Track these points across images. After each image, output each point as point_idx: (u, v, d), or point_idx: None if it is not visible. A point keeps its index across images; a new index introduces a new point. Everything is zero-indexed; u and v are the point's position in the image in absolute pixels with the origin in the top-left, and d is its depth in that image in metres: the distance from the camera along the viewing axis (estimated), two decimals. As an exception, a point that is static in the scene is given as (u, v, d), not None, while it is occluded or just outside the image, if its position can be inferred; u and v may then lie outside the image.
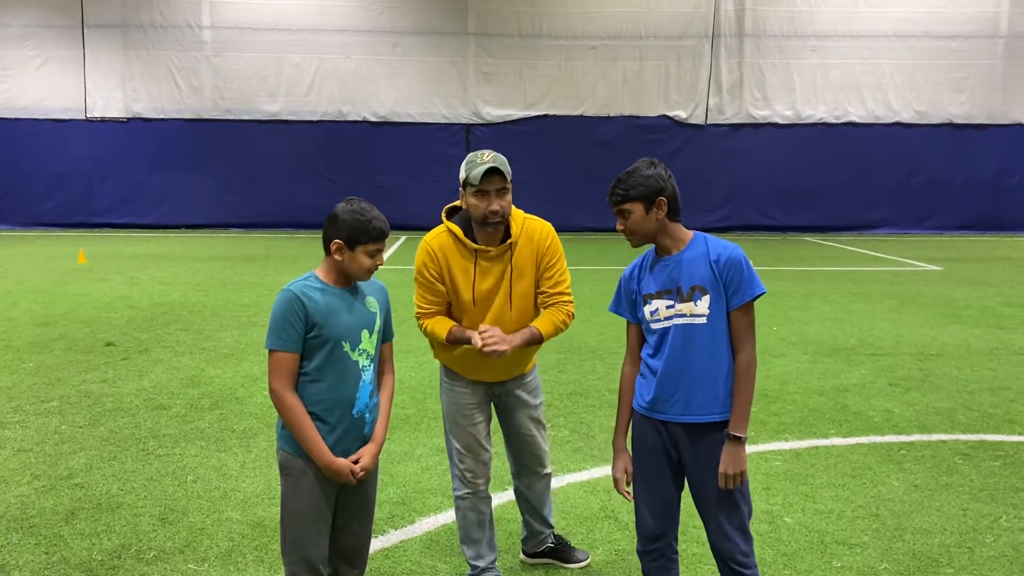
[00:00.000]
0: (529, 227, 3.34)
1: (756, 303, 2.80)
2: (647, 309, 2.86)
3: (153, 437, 5.42)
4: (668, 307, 2.80)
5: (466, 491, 3.46)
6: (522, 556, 3.80)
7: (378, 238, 2.77)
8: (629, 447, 3.01)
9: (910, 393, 6.61)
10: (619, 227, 2.85)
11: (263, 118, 20.57)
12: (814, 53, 20.74)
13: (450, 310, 3.38)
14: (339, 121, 20.63)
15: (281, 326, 2.71)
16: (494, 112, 20.61)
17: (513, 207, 3.32)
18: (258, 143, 20.56)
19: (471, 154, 3.25)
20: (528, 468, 3.63)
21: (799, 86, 20.84)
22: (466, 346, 3.29)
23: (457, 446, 3.46)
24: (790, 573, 3.69)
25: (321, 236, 2.87)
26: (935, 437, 5.55)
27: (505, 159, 3.24)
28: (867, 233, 21.01)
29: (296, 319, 2.70)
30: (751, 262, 2.82)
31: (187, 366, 7.26)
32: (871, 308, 10.36)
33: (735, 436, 2.73)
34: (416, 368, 7.23)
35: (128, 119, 20.48)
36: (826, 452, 5.25)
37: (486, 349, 3.14)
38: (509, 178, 3.21)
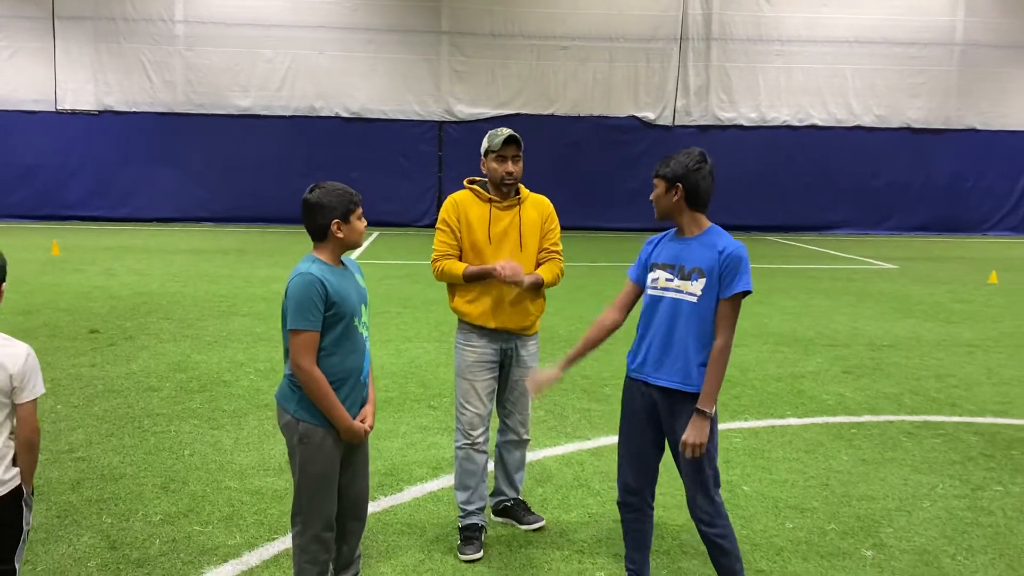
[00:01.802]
0: (535, 197, 4.05)
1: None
2: (650, 276, 3.23)
3: (147, 416, 5.67)
4: (667, 279, 3.17)
5: (464, 442, 3.91)
6: (492, 515, 4.21)
7: (360, 202, 3.16)
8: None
9: (862, 380, 7.05)
10: (650, 196, 3.28)
11: (235, 112, 20.66)
12: (779, 57, 21.32)
13: (462, 259, 3.91)
14: (311, 117, 20.79)
15: (307, 307, 2.97)
16: (466, 110, 20.91)
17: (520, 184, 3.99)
18: (230, 137, 20.65)
19: (491, 131, 3.91)
20: (512, 427, 4.07)
21: (764, 89, 21.40)
22: (481, 290, 3.83)
23: (461, 400, 3.92)
24: (747, 533, 4.06)
25: (307, 227, 3.11)
26: (883, 418, 5.98)
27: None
28: (828, 233, 21.64)
29: (320, 299, 2.98)
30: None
31: (172, 352, 7.49)
32: (829, 303, 10.84)
33: (700, 410, 3.06)
34: (396, 355, 7.52)
35: (99, 112, 20.47)
36: (782, 431, 5.65)
37: (507, 274, 3.70)
38: (522, 148, 3.86)
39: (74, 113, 20.41)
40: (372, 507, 4.25)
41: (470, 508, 3.90)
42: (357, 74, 20.74)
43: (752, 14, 21.15)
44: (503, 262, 3.77)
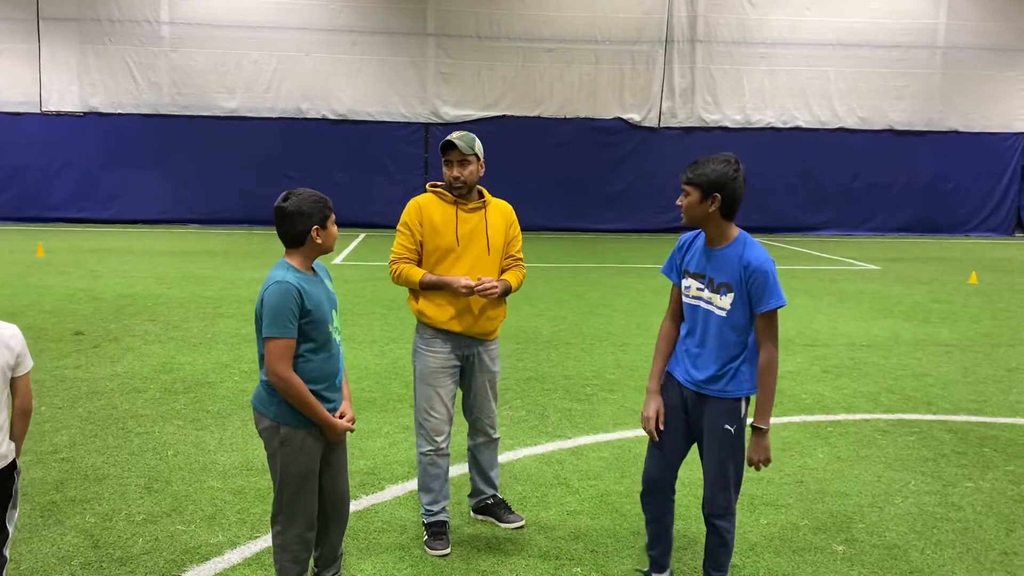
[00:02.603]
0: (497, 202, 4.06)
1: None
2: (684, 283, 3.31)
3: (131, 417, 5.71)
4: (698, 288, 3.23)
5: (428, 448, 3.96)
6: (471, 513, 4.28)
7: (333, 208, 3.21)
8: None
9: (840, 379, 7.15)
10: (677, 202, 3.21)
11: (221, 114, 20.63)
12: (763, 60, 21.46)
13: (422, 263, 3.92)
14: (298, 118, 20.78)
15: (284, 315, 3.01)
16: (452, 112, 20.96)
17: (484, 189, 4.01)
18: (216, 139, 20.62)
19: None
20: (481, 430, 4.13)
21: (748, 91, 21.54)
22: (448, 294, 3.83)
23: (424, 405, 3.95)
24: (722, 529, 4.14)
25: (283, 234, 3.14)
26: (859, 416, 6.08)
27: (473, 136, 3.89)
28: (812, 234, 21.80)
29: (296, 307, 3.02)
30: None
31: (157, 354, 7.51)
32: (811, 303, 10.96)
33: (758, 428, 3.13)
34: (380, 356, 7.58)
35: (84, 113, 20.40)
36: (760, 429, 5.73)
37: (485, 289, 3.75)
38: (469, 152, 3.83)
39: (59, 115, 20.34)
40: (354, 505, 4.31)
41: (435, 508, 3.98)
42: (343, 76, 20.76)
43: (736, 17, 21.29)
44: (479, 279, 3.78)
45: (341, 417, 3.23)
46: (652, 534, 3.52)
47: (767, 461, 3.18)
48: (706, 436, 3.24)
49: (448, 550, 3.88)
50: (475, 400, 4.07)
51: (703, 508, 3.32)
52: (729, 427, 3.20)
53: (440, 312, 3.88)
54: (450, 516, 4.08)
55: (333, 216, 3.19)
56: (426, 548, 3.89)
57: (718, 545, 3.32)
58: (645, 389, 3.48)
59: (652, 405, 3.34)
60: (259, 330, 3.07)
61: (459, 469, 4.74)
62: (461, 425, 4.44)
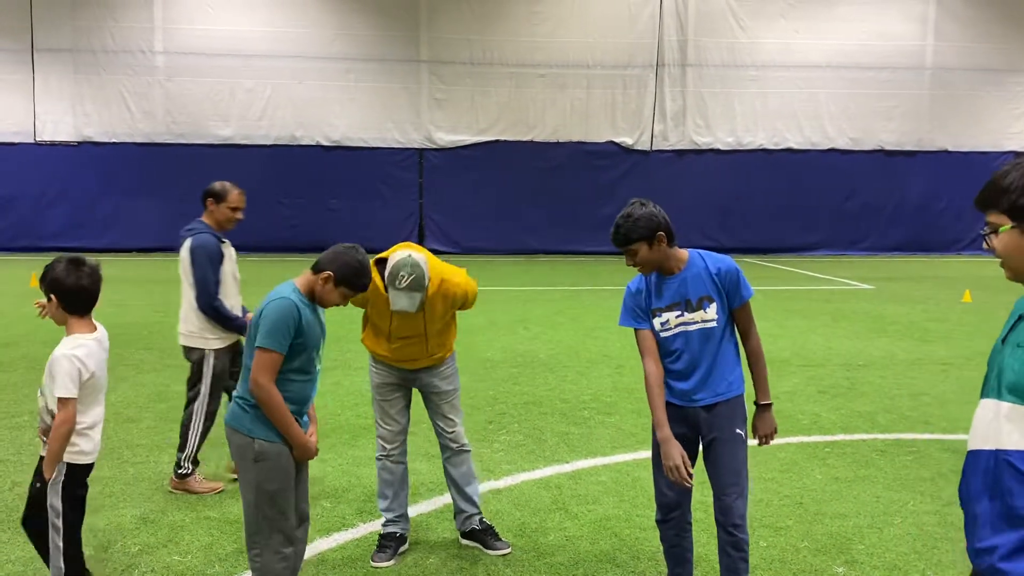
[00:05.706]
0: (449, 283, 3.96)
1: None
2: (658, 321, 3.32)
3: (127, 447, 5.68)
4: (677, 317, 3.29)
5: (380, 453, 4.18)
6: (460, 537, 4.27)
7: (358, 290, 3.26)
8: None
9: (837, 399, 7.15)
10: (628, 263, 3.28)
11: (216, 142, 20.70)
12: (753, 83, 21.64)
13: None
14: (292, 145, 20.86)
15: (280, 330, 3.10)
16: (446, 137, 21.06)
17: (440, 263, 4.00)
18: (210, 167, 20.45)
19: (394, 265, 3.75)
20: (445, 445, 4.22)
21: (739, 114, 21.70)
22: (376, 337, 4.09)
23: (376, 417, 4.18)
24: (722, 552, 4.13)
25: (332, 267, 3.21)
26: (856, 437, 6.07)
27: (422, 273, 3.71)
28: (805, 254, 21.87)
29: (292, 325, 3.12)
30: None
31: (152, 383, 7.49)
32: (806, 323, 10.98)
33: (763, 404, 3.41)
34: (376, 382, 7.55)
35: (79, 143, 20.45)
36: (756, 451, 5.70)
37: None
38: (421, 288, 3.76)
39: (53, 144, 20.40)
40: (351, 533, 4.31)
41: (389, 516, 4.12)
42: (337, 103, 20.87)
43: (727, 40, 21.49)
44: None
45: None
46: (672, 562, 3.52)
47: (775, 432, 3.42)
48: (717, 443, 3.31)
49: (391, 563, 3.94)
50: (435, 419, 4.23)
51: (720, 521, 3.31)
52: (740, 431, 3.33)
53: (376, 346, 4.09)
54: (407, 531, 4.16)
55: (350, 292, 3.23)
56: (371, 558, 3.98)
57: (740, 560, 3.31)
58: (657, 433, 3.26)
59: (676, 452, 3.18)
60: (251, 340, 3.10)
61: (446, 498, 4.70)
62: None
